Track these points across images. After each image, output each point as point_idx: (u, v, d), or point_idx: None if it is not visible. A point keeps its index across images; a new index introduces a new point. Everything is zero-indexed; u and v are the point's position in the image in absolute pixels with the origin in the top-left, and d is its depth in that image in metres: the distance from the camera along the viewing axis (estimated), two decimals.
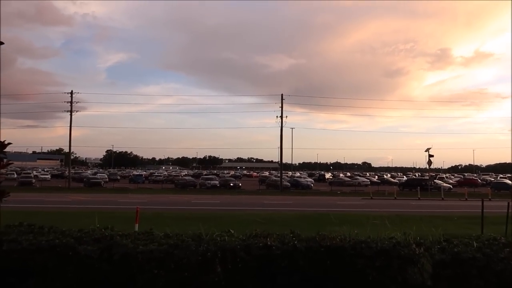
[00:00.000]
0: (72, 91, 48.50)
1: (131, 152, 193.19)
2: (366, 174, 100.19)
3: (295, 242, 4.02)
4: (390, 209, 22.69)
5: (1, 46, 3.69)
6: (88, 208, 20.96)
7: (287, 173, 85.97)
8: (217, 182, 49.45)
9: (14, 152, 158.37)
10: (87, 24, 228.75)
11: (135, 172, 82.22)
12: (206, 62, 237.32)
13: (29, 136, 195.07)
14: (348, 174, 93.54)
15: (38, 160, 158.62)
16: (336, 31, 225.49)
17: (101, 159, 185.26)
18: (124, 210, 18.91)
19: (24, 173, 57.74)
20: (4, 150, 3.81)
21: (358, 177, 70.05)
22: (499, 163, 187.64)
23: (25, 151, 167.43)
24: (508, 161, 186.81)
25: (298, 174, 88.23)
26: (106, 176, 60.37)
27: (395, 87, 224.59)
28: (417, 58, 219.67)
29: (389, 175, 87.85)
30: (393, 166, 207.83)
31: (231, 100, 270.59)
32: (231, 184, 48.42)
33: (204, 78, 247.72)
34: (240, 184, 49.89)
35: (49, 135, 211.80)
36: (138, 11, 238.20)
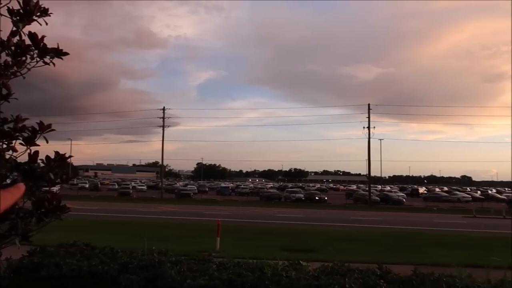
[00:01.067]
0: (164, 107, 51.85)
1: (220, 165, 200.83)
2: (467, 189, 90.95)
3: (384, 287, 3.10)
4: (499, 230, 19.78)
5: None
6: (174, 219, 21.64)
7: (376, 186, 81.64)
8: (302, 195, 48.52)
9: (117, 165, 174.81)
10: (180, 45, 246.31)
11: (222, 184, 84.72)
12: (291, 75, 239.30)
13: (130, 150, 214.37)
14: (445, 188, 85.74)
15: (137, 172, 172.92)
16: (428, 36, 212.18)
17: (192, 172, 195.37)
18: (208, 223, 19.10)
19: (124, 185, 62.81)
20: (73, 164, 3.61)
21: (457, 192, 63.62)
22: None
23: (126, 164, 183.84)
24: None
25: (388, 188, 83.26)
26: (196, 188, 62.99)
27: (498, 93, 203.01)
28: None
29: (494, 190, 78.55)
30: (499, 180, 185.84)
31: (316, 112, 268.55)
32: (317, 198, 47.10)
33: (289, 91, 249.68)
34: (326, 198, 48.30)
35: (147, 149, 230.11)
36: (224, 30, 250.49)
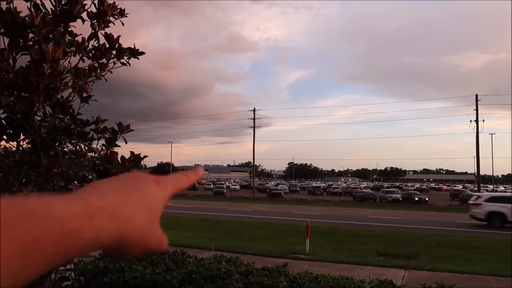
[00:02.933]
0: (254, 108, 52.90)
1: (311, 164, 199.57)
2: None
3: None
4: None
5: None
6: (265, 218, 21.70)
7: (487, 186, 73.43)
8: (399, 195, 45.60)
9: (213, 165, 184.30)
10: (270, 47, 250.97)
11: (314, 184, 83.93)
12: (385, 69, 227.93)
13: (225, 151, 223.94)
14: None
15: (231, 172, 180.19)
16: None
17: (284, 171, 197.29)
18: (298, 223, 18.75)
19: (218, 184, 65.63)
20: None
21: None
22: None
23: (221, 164, 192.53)
24: None
25: (501, 188, 74.47)
26: (287, 187, 63.21)
27: None
28: None
29: None
30: None
31: (415, 106, 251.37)
32: (416, 199, 43.81)
33: (384, 86, 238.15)
34: (426, 199, 44.67)
35: (240, 150, 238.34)
36: (314, 29, 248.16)
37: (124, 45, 3.15)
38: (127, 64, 3.27)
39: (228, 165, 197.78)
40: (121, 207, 0.40)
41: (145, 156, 3.83)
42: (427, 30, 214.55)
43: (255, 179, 66.25)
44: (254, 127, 52.52)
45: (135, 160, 3.68)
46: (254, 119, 52.61)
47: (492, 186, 78.93)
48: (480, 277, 9.07)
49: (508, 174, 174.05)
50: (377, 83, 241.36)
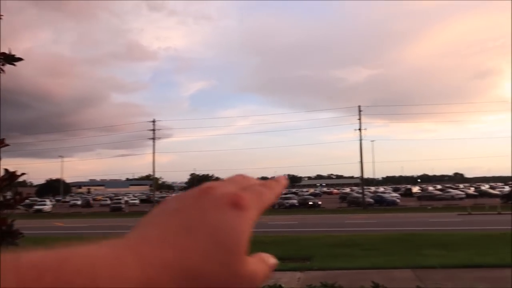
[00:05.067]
0: (154, 119, 51.46)
1: (213, 175, 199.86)
2: (459, 186, 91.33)
3: None
4: (496, 227, 19.59)
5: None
6: None
7: (370, 188, 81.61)
8: (295, 201, 48.18)
9: (110, 180, 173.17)
10: (170, 57, 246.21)
11: None
12: (282, 81, 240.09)
13: (123, 165, 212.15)
14: (439, 186, 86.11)
15: (130, 186, 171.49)
16: (416, 37, 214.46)
17: (186, 183, 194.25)
18: None
19: (116, 199, 62.00)
20: (16, 180, 3.24)
21: (451, 190, 63.83)
22: None
23: (119, 179, 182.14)
24: None
25: (382, 189, 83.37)
26: None
27: (487, 88, 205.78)
28: (510, 54, 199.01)
29: (487, 186, 79.03)
30: (491, 175, 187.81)
31: (308, 116, 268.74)
32: (310, 203, 46.82)
33: (280, 97, 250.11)
34: (319, 203, 48.02)
35: (140, 163, 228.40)
36: (214, 40, 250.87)
37: (4, 49, 2.87)
38: (1, 70, 2.97)
39: (127, 179, 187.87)
40: (186, 260, 0.31)
41: (22, 174, 3.49)
42: (318, 45, 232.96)
43: (156, 192, 64.06)
44: (154, 139, 51.05)
45: (10, 178, 3.33)
46: (154, 130, 51.16)
47: (373, 188, 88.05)
48: (364, 271, 10.03)
49: (387, 176, 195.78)
50: (275, 94, 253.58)
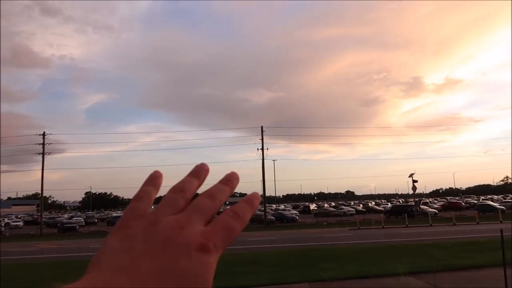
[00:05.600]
0: (44, 132, 46.91)
1: (111, 193, 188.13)
2: (351, 203, 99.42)
3: None
4: (381, 240, 21.67)
5: None
6: (55, 257, 19.20)
7: (271, 206, 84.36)
8: None
9: None
10: (65, 66, 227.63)
11: (114, 214, 79.18)
12: (186, 99, 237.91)
13: (6, 182, 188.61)
14: (333, 204, 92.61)
15: (13, 207, 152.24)
16: (313, 65, 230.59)
17: (80, 202, 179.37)
18: None
19: None
20: None
21: (343, 207, 69.11)
22: (478, 185, 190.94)
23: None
24: (487, 182, 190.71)
25: (282, 206, 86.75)
26: (83, 220, 57.64)
27: (373, 115, 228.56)
28: (391, 87, 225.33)
29: (373, 203, 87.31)
30: (376, 193, 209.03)
31: (213, 135, 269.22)
32: None
33: (185, 115, 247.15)
34: None
35: (26, 180, 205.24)
36: (116, 52, 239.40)
37: None
38: None
39: (9, 198, 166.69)
40: None
41: None
42: (222, 66, 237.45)
43: (44, 212, 57.93)
44: (43, 154, 46.32)
45: None
46: (44, 144, 46.48)
47: (275, 205, 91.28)
48: None
49: (287, 194, 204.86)
50: (178, 111, 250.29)
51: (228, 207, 0.44)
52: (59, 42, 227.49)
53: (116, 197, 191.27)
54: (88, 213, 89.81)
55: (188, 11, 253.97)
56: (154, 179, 0.50)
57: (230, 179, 0.47)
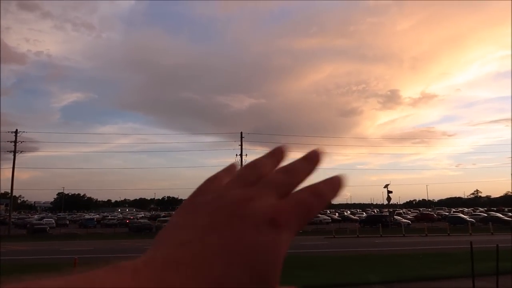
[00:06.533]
0: (16, 130, 45.49)
1: (84, 195, 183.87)
2: (327, 211, 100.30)
3: None
4: (355, 249, 21.91)
5: None
6: (23, 260, 18.56)
7: None
8: None
9: None
10: (41, 63, 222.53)
11: (86, 216, 77.31)
12: (166, 101, 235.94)
13: None
14: None
15: None
16: (294, 73, 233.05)
17: (51, 203, 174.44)
18: (65, 261, 16.80)
19: None
20: None
21: (319, 215, 69.57)
22: (450, 198, 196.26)
23: None
24: (458, 195, 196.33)
25: None
26: (53, 221, 55.97)
27: (350, 126, 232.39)
28: (369, 98, 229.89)
29: (349, 212, 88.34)
30: (352, 202, 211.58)
31: (192, 139, 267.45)
32: None
33: (164, 118, 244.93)
34: None
35: None
36: (95, 51, 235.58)
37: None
38: None
39: None
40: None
41: None
42: (204, 71, 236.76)
43: (13, 212, 56.04)
44: (15, 152, 44.93)
45: None
46: (15, 142, 45.09)
47: None
48: None
49: None
50: (157, 114, 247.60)
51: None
52: (36, 38, 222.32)
53: (89, 199, 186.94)
54: (60, 215, 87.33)
55: (171, 14, 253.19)
56: (231, 168, 0.47)
57: (312, 156, 0.41)
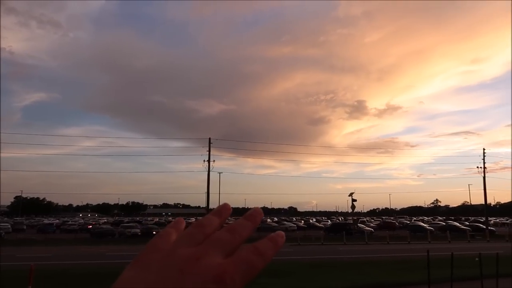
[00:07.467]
0: None
1: (44, 198, 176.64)
2: (293, 218, 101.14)
3: None
4: (320, 256, 22.22)
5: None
6: None
7: None
8: (138, 230, 45.94)
9: None
10: (3, 59, 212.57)
11: (45, 221, 74.26)
12: (133, 104, 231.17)
13: None
14: (275, 219, 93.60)
15: None
16: (264, 80, 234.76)
17: (8, 206, 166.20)
18: (20, 268, 16.06)
19: None
20: None
21: (285, 222, 70.09)
22: (411, 206, 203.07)
23: None
24: (419, 204, 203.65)
25: None
26: (9, 226, 53.36)
27: (318, 134, 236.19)
28: (337, 108, 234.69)
29: (314, 220, 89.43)
30: (318, 210, 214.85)
31: (159, 143, 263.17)
32: (154, 232, 45.19)
33: (131, 121, 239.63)
34: None
35: None
36: (61, 50, 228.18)
37: None
38: None
39: None
40: None
41: None
42: (173, 74, 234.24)
43: None
44: None
45: None
46: None
47: None
48: None
49: (232, 208, 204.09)
50: (125, 117, 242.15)
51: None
52: None
53: (49, 203, 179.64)
54: (17, 219, 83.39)
55: (142, 16, 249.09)
56: (178, 223, 0.47)
57: (254, 215, 0.44)
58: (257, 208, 0.47)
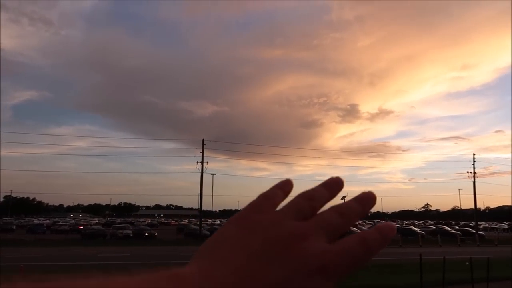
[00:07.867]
0: None
1: (34, 198, 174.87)
2: None
3: None
4: None
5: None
6: None
7: (207, 220, 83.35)
8: (130, 231, 45.61)
9: None
10: None
11: (35, 221, 73.51)
12: (125, 104, 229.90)
13: None
14: None
15: None
16: (257, 83, 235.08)
17: None
18: (9, 268, 15.87)
19: None
20: None
21: None
22: (403, 210, 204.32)
23: None
24: (410, 208, 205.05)
25: (218, 221, 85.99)
26: None
27: (311, 137, 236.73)
28: (329, 111, 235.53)
29: None
30: None
31: (151, 144, 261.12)
32: (146, 234, 44.99)
33: (123, 121, 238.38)
34: (156, 234, 46.55)
35: None
36: (53, 48, 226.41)
37: None
38: None
39: None
40: None
41: None
42: (166, 75, 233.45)
43: None
44: None
45: None
46: None
47: (211, 220, 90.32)
48: None
49: (224, 210, 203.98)
50: (116, 117, 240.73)
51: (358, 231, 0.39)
52: None
53: (40, 203, 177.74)
54: (6, 219, 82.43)
55: (135, 15, 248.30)
56: (286, 185, 0.46)
57: (366, 200, 0.40)
58: (370, 192, 0.42)
